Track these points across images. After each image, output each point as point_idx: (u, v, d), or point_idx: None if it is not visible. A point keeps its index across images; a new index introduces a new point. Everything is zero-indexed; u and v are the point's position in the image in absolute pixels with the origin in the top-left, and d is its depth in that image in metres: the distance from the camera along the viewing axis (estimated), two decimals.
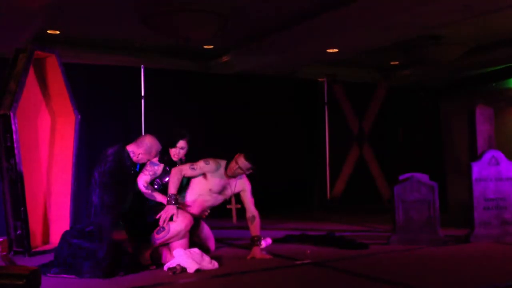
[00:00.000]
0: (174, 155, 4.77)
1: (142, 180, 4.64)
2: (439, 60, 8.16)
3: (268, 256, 4.78)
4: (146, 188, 4.62)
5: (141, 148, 4.62)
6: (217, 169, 4.69)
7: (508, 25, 6.95)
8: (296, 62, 8.54)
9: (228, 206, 4.92)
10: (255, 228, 4.86)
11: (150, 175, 4.67)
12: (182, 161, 4.87)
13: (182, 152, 4.79)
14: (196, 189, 4.74)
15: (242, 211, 4.98)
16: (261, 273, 4.26)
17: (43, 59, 5.43)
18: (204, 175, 4.69)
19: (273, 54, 7.98)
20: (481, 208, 5.45)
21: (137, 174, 4.68)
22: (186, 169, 4.59)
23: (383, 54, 8.42)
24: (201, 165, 4.63)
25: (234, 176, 4.73)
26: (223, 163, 4.73)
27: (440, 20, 6.29)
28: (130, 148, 4.63)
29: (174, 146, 4.75)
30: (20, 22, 5.90)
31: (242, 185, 4.89)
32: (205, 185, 4.73)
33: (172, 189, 4.49)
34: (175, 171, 4.55)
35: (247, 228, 4.96)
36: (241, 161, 4.62)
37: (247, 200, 4.92)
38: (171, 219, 4.47)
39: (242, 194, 4.92)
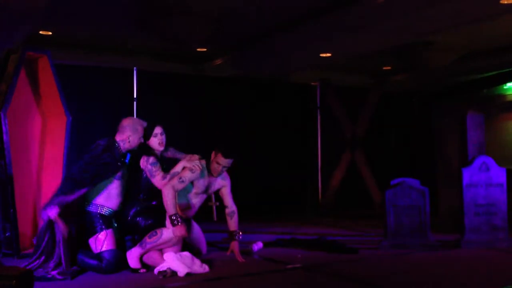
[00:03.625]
0: (159, 143, 4.76)
1: (159, 180, 4.59)
2: (431, 66, 8.22)
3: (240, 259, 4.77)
4: (164, 178, 4.59)
5: (126, 132, 4.58)
6: (203, 172, 4.70)
7: (499, 32, 7.01)
8: (289, 66, 8.55)
9: (209, 203, 4.94)
10: (234, 223, 4.93)
11: (160, 171, 4.65)
12: (166, 149, 4.89)
13: (163, 137, 4.80)
14: (182, 193, 4.72)
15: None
16: (252, 277, 4.25)
17: (35, 60, 5.40)
18: (191, 182, 4.69)
19: (266, 58, 7.99)
20: (471, 214, 5.48)
21: (125, 164, 4.63)
22: (177, 184, 4.53)
23: (376, 59, 8.46)
24: (188, 176, 4.58)
25: (219, 175, 4.78)
26: (203, 163, 4.75)
27: (432, 27, 6.33)
28: (118, 138, 4.60)
29: (152, 135, 4.75)
30: (12, 22, 5.86)
31: (223, 181, 4.93)
32: (188, 188, 4.72)
33: (172, 209, 4.39)
34: (167, 190, 4.44)
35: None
36: (222, 161, 4.65)
37: (227, 195, 4.96)
38: (163, 225, 4.48)
39: (222, 190, 4.95)
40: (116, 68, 7.75)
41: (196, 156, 4.76)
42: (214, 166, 4.69)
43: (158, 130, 4.79)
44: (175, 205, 4.43)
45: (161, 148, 4.81)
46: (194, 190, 4.74)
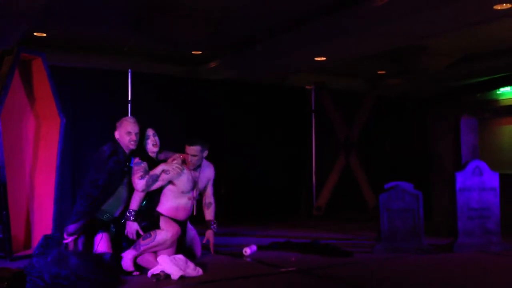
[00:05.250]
0: (153, 145, 4.75)
1: (136, 179, 4.54)
2: (425, 70, 8.26)
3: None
4: (142, 178, 4.53)
5: (116, 129, 4.64)
6: (181, 170, 4.65)
7: (493, 37, 7.06)
8: (284, 69, 8.57)
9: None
10: (211, 212, 5.04)
11: (142, 171, 4.58)
12: (160, 151, 4.86)
13: (156, 139, 4.80)
14: (170, 195, 4.70)
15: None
16: (246, 280, 4.25)
17: (29, 62, 5.38)
18: (170, 182, 4.66)
19: (261, 61, 8.00)
20: (464, 218, 5.50)
21: (130, 169, 4.60)
22: (151, 183, 4.54)
23: (371, 63, 8.49)
24: (163, 177, 4.58)
25: (196, 167, 4.76)
26: (175, 153, 4.75)
27: (427, 31, 6.37)
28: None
29: (146, 138, 4.75)
30: (7, 23, 5.85)
31: (210, 174, 5.00)
32: (175, 190, 4.69)
33: (134, 205, 4.50)
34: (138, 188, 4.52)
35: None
36: (189, 149, 4.69)
37: (209, 188, 5.05)
38: (157, 227, 4.49)
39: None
40: (111, 70, 7.72)
41: (179, 157, 4.72)
42: (187, 158, 4.71)
43: (150, 132, 4.80)
44: (139, 204, 4.51)
45: (156, 149, 4.78)
46: (180, 190, 4.68)
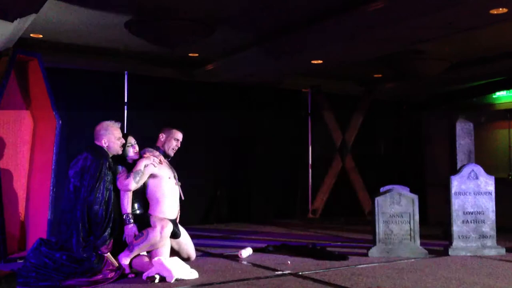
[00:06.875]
0: (135, 153, 4.74)
1: (123, 180, 4.51)
2: (421, 75, 8.28)
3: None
4: (128, 177, 4.52)
5: (101, 136, 4.55)
6: (159, 161, 4.73)
7: (488, 42, 7.10)
8: (281, 72, 8.58)
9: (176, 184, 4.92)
10: None
11: (125, 173, 4.56)
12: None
13: (137, 147, 4.81)
14: (159, 192, 4.68)
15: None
16: (241, 283, 4.24)
17: (25, 63, 5.37)
18: (153, 176, 4.66)
19: (257, 64, 8.00)
20: (460, 221, 5.51)
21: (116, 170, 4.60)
22: (137, 181, 4.55)
23: (367, 66, 8.51)
24: (146, 169, 4.59)
25: (172, 153, 4.89)
26: (155, 150, 4.80)
27: (423, 36, 6.39)
28: (98, 144, 4.58)
29: (127, 145, 4.75)
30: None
31: None
32: (161, 180, 4.69)
33: (126, 208, 4.50)
34: (123, 192, 4.51)
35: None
36: (177, 134, 4.88)
37: None
38: (147, 226, 4.49)
39: None
40: (107, 72, 7.71)
41: (155, 154, 4.75)
42: (172, 144, 4.84)
43: (132, 140, 4.78)
44: (129, 205, 4.51)
45: (136, 157, 4.74)
46: (167, 176, 4.72)
